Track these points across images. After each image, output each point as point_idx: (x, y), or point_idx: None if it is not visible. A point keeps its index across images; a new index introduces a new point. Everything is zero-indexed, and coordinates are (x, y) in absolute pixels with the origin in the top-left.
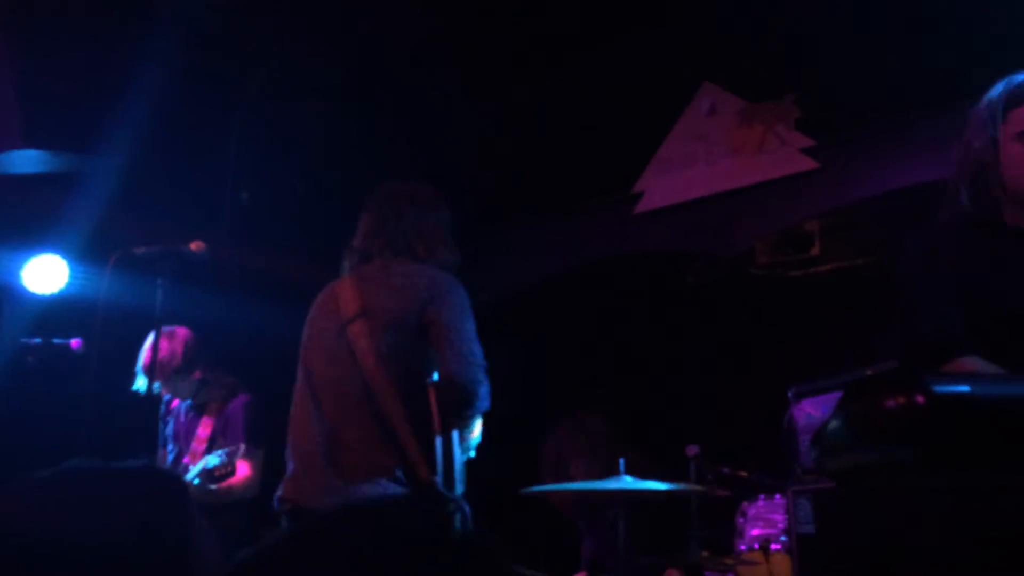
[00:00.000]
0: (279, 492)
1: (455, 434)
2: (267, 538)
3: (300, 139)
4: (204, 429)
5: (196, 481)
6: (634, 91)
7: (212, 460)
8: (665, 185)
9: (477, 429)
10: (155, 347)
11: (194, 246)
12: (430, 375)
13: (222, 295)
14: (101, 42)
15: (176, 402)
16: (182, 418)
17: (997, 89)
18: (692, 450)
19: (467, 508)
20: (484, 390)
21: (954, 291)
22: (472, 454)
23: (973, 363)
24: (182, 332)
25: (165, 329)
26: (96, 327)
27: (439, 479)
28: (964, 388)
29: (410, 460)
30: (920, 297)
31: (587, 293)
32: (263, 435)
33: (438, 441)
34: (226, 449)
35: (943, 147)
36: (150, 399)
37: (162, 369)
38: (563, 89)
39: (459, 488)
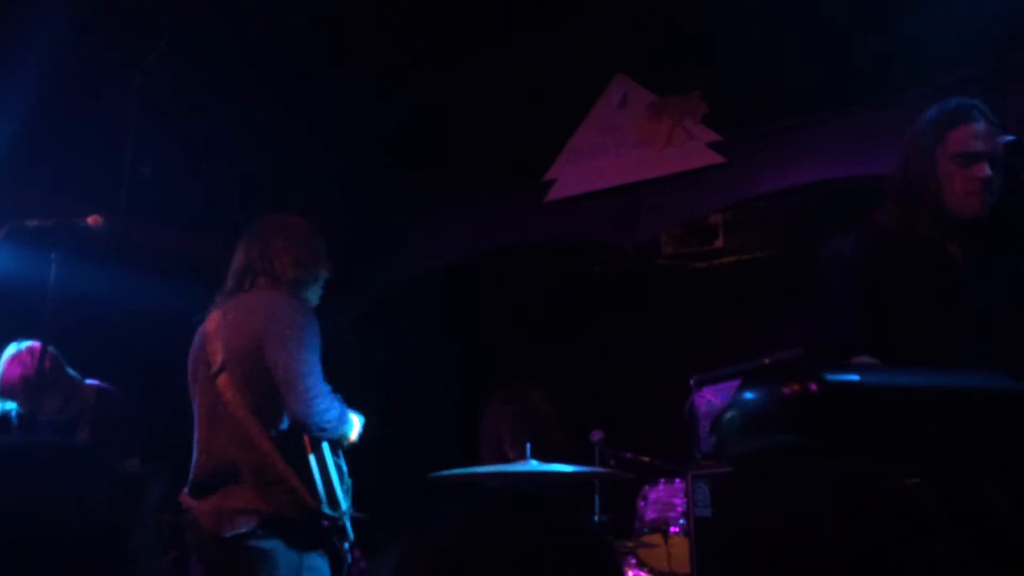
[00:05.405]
0: None
1: (326, 448)
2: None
3: (204, 117)
4: (81, 436)
5: None
6: (548, 80)
7: None
8: (576, 174)
9: (354, 432)
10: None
11: (91, 220)
12: None
13: (119, 273)
14: None
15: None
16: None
17: (932, 112)
18: (596, 435)
19: (348, 523)
20: (332, 416)
21: (861, 298)
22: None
23: (867, 361)
24: (38, 348)
25: (23, 347)
26: None
27: (324, 503)
28: (854, 377)
29: (297, 493)
30: (826, 303)
31: (500, 278)
32: (141, 430)
33: (312, 461)
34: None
35: (844, 145)
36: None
37: (25, 387)
38: (478, 78)
39: (344, 502)
